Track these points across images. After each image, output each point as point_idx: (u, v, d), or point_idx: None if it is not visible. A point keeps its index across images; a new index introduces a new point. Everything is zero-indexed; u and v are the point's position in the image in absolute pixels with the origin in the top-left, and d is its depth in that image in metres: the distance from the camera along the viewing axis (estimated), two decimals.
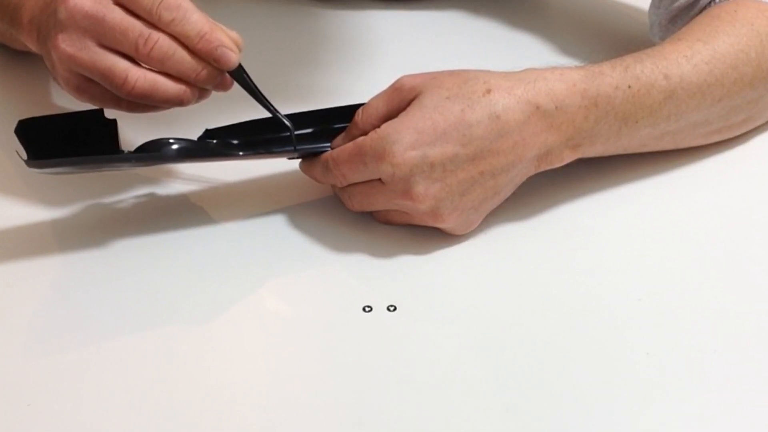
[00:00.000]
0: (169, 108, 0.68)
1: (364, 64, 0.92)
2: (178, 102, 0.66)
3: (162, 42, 0.64)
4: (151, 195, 0.75)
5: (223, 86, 0.68)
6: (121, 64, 0.64)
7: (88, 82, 0.66)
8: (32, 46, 0.74)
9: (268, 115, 0.70)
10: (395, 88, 0.69)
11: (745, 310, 0.66)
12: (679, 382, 0.60)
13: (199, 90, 0.67)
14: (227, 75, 0.67)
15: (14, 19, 0.76)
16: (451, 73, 0.69)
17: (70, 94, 0.68)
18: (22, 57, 0.88)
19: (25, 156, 0.66)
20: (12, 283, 0.67)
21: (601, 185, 0.76)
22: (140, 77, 0.64)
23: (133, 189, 0.75)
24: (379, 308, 0.65)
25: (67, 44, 0.65)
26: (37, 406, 0.58)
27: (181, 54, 0.65)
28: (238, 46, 0.67)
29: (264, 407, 0.59)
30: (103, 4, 0.65)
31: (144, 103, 0.66)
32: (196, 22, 0.65)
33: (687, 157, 0.79)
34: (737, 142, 0.81)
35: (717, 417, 0.58)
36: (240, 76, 0.67)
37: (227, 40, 0.66)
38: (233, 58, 0.66)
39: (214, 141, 0.71)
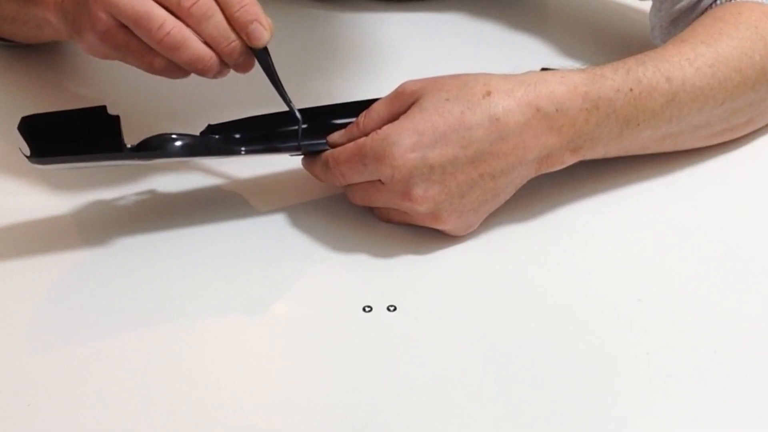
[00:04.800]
0: (186, 75, 0.68)
1: (365, 67, 0.92)
2: (200, 67, 0.66)
3: (204, 0, 0.65)
4: (152, 193, 0.75)
5: (244, 66, 0.68)
6: (160, 11, 0.64)
7: (118, 27, 0.66)
8: (47, 10, 0.73)
9: (270, 110, 0.71)
10: (397, 92, 0.70)
11: (745, 310, 0.66)
12: (679, 382, 0.60)
13: (219, 64, 0.67)
14: (250, 57, 0.68)
15: None
16: (452, 77, 0.69)
17: (93, 41, 0.67)
18: (23, 57, 0.88)
19: (28, 152, 0.66)
20: (12, 282, 0.67)
21: (601, 186, 0.76)
22: (176, 27, 0.64)
23: (134, 186, 0.75)
24: (379, 308, 0.65)
25: None
26: (37, 406, 0.58)
27: (219, 18, 0.65)
28: (270, 30, 0.67)
29: (264, 407, 0.59)
30: None
31: (169, 57, 0.66)
32: None
33: (688, 159, 0.79)
34: (739, 143, 0.81)
35: (717, 417, 0.58)
36: (264, 58, 0.68)
37: (263, 17, 0.66)
38: (265, 36, 0.67)
39: (217, 136, 0.72)
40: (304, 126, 0.71)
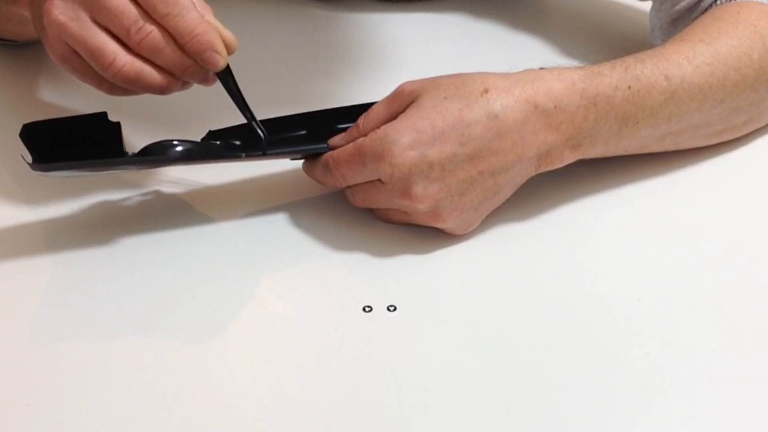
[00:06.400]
0: (147, 93, 0.67)
1: (366, 67, 0.93)
2: (160, 92, 0.66)
3: (154, 35, 0.63)
4: (152, 195, 0.75)
5: (206, 82, 0.67)
6: (111, 46, 0.63)
7: (74, 53, 0.65)
8: (25, 9, 0.73)
9: (270, 116, 0.71)
10: (396, 93, 0.70)
11: (745, 310, 0.66)
12: (679, 382, 0.60)
13: (182, 82, 0.67)
14: (210, 75, 0.67)
15: None
16: (450, 76, 0.69)
17: (54, 60, 0.67)
18: (24, 64, 0.88)
19: (29, 159, 0.66)
20: (12, 283, 0.67)
21: (601, 186, 0.76)
22: (128, 62, 0.64)
23: (135, 189, 0.75)
24: (379, 308, 0.65)
25: (61, 11, 0.63)
26: (37, 406, 0.58)
27: (171, 49, 0.64)
28: (230, 48, 0.66)
29: (263, 406, 0.59)
30: None
31: (125, 87, 0.65)
32: (191, 20, 0.64)
33: (688, 158, 0.79)
34: (739, 143, 0.81)
35: (717, 417, 0.58)
36: (224, 78, 0.67)
37: (218, 43, 0.65)
38: (220, 62, 0.65)
39: (218, 142, 0.72)
40: (303, 132, 0.71)
